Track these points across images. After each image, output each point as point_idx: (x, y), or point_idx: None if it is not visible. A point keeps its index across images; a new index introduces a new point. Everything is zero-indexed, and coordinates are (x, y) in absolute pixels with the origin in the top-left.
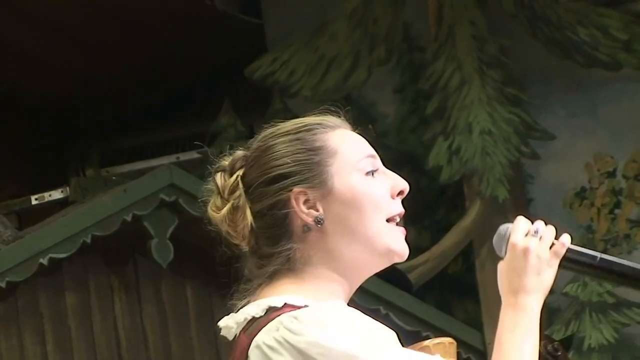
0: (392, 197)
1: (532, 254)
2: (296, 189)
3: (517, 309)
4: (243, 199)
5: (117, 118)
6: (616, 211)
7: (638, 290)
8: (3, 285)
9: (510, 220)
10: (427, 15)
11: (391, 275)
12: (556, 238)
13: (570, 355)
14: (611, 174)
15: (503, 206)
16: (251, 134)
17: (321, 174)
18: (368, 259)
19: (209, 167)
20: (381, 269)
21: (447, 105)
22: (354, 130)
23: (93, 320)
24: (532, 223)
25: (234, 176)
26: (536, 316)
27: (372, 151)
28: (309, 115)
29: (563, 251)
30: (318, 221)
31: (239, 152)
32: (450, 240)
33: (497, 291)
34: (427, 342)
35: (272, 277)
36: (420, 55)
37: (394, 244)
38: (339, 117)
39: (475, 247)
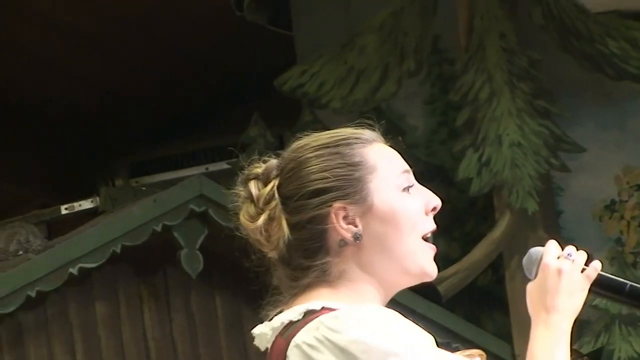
0: (426, 214)
1: (565, 275)
2: (337, 204)
3: (549, 326)
4: (279, 209)
5: (146, 129)
6: None
7: None
8: (33, 294)
9: (539, 232)
10: (457, 27)
11: (421, 286)
12: (586, 264)
13: None
14: None
15: (532, 218)
16: (281, 145)
17: (362, 190)
18: (400, 276)
19: (239, 173)
20: (410, 285)
21: (477, 118)
22: (387, 143)
23: (122, 330)
24: (562, 248)
25: (270, 186)
26: (567, 336)
27: (407, 166)
28: (343, 128)
29: (594, 275)
30: (357, 237)
31: (273, 161)
32: (480, 252)
33: (527, 303)
34: (457, 354)
35: (307, 287)
36: (450, 67)
37: (427, 264)
38: (374, 130)
39: (504, 259)
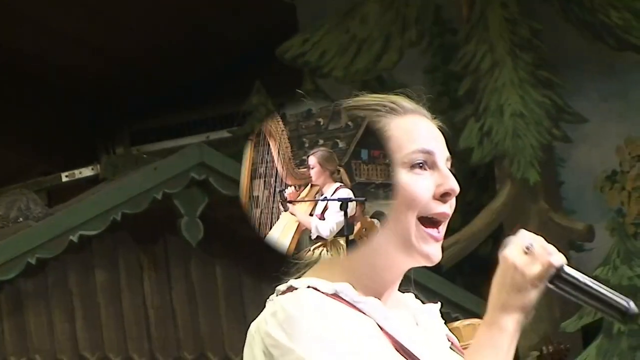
0: (435, 197)
1: (517, 271)
2: None
3: (492, 328)
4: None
5: (148, 97)
6: None
7: (615, 320)
8: (33, 261)
9: (541, 203)
10: None
11: None
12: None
13: (600, 338)
14: None
15: (534, 189)
16: (282, 114)
17: None
18: (395, 254)
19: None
20: (409, 267)
21: (479, 88)
22: (432, 120)
23: (122, 297)
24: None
25: None
26: (509, 336)
27: (430, 146)
28: (389, 93)
29: (549, 272)
30: None
31: None
32: (481, 222)
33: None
34: (457, 324)
35: (319, 258)
36: (451, 37)
37: (420, 246)
38: (417, 102)
39: (505, 229)
